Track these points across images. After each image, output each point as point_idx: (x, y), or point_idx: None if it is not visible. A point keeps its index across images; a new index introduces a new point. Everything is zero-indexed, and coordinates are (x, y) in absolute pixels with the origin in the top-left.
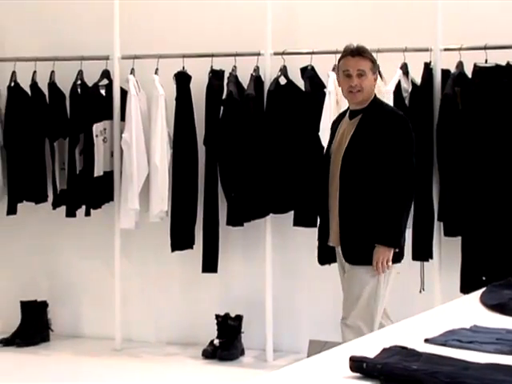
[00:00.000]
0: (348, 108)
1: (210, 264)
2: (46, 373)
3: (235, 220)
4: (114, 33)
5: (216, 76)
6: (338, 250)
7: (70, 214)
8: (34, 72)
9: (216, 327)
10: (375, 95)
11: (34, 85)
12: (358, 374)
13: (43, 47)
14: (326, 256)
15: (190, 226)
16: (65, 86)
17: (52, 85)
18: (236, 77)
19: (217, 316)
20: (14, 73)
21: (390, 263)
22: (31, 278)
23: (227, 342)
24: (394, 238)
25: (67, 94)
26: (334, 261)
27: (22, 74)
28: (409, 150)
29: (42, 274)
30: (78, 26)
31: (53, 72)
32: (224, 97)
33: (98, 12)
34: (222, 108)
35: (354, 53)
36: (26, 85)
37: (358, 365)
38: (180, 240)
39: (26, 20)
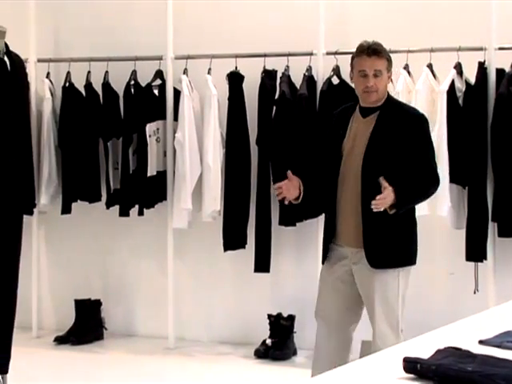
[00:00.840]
0: (354, 104)
1: (262, 264)
2: (100, 371)
3: (287, 220)
4: (167, 33)
5: (269, 76)
6: (345, 251)
7: (124, 213)
8: (89, 72)
9: (268, 327)
10: (388, 93)
11: (88, 85)
12: (411, 375)
13: (97, 48)
14: (324, 255)
15: (243, 225)
16: (118, 86)
17: (106, 85)
18: (289, 77)
19: (269, 316)
20: (68, 73)
21: (382, 209)
22: (85, 276)
23: (280, 342)
24: (404, 202)
25: (121, 94)
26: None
27: (77, 75)
28: (432, 147)
29: (96, 273)
30: (132, 27)
31: (107, 72)
32: (276, 97)
33: (151, 12)
34: (274, 108)
35: (371, 53)
36: (80, 85)
37: (411, 366)
38: (232, 240)
39: (80, 21)
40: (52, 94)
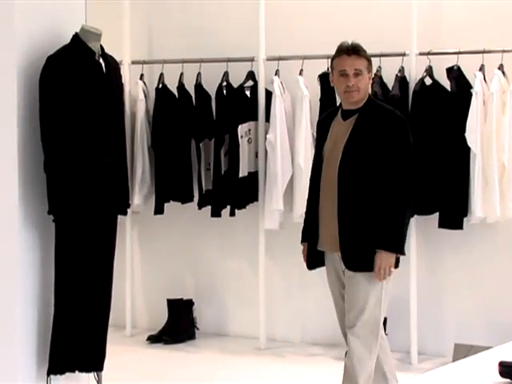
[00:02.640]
0: (338, 107)
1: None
2: (192, 370)
3: None
4: (259, 34)
5: None
6: (333, 256)
7: (215, 213)
8: (181, 74)
9: None
10: (369, 95)
11: (180, 86)
12: (508, 380)
13: (190, 49)
14: (315, 260)
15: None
16: (211, 88)
17: (198, 86)
18: (381, 77)
19: None
20: (161, 75)
21: (393, 269)
22: (177, 276)
23: None
24: (398, 243)
25: (213, 96)
26: (322, 265)
27: (170, 76)
28: (409, 151)
29: (188, 273)
30: (224, 28)
31: (199, 74)
32: None
33: (243, 14)
34: None
35: (351, 52)
36: (173, 86)
37: (508, 370)
38: None
39: (173, 23)
40: (145, 96)
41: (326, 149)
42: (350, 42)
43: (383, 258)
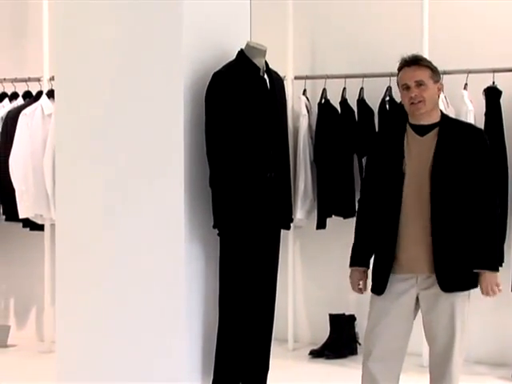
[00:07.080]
0: (401, 123)
1: None
2: None
3: None
4: (422, 48)
5: None
6: (415, 279)
7: None
8: (344, 89)
9: None
10: (441, 110)
11: (343, 101)
12: None
13: (352, 64)
14: (384, 285)
15: (500, 243)
16: (373, 103)
17: (361, 101)
18: None
19: None
20: (324, 90)
21: (501, 286)
22: (339, 291)
23: None
24: (497, 260)
25: (376, 111)
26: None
27: (332, 91)
28: (494, 165)
29: (350, 288)
30: (387, 43)
31: (362, 88)
32: None
33: (406, 28)
34: None
35: (410, 63)
36: (335, 101)
37: None
38: None
39: (335, 38)
40: (308, 111)
41: (407, 165)
42: (410, 54)
43: (487, 277)
